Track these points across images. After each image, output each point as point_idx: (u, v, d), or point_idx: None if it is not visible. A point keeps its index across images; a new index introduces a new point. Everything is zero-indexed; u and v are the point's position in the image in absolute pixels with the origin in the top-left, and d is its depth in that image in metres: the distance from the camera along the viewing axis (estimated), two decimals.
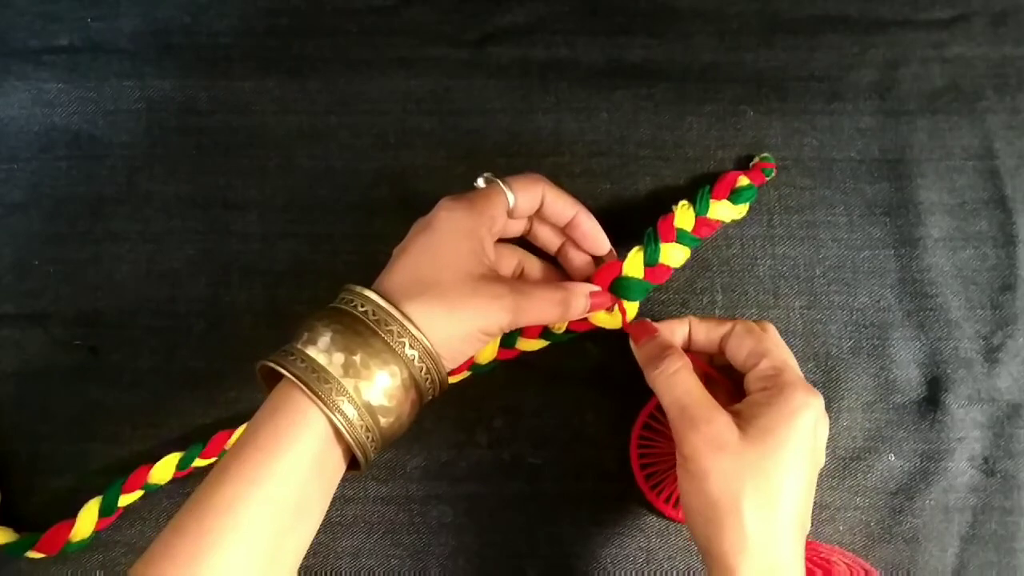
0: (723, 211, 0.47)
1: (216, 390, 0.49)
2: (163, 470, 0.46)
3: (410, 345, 0.37)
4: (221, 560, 0.33)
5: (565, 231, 0.46)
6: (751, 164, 0.50)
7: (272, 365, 0.36)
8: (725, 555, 0.36)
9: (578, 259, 0.46)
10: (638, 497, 0.47)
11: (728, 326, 0.43)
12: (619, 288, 0.45)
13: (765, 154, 0.50)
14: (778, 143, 0.51)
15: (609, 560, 0.48)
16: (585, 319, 0.45)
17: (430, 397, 0.39)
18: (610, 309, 0.45)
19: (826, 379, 0.49)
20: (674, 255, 0.46)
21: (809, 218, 0.50)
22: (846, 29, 0.53)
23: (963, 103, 0.52)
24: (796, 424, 0.38)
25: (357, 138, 0.52)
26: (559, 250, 0.47)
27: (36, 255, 0.51)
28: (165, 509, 0.48)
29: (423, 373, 0.37)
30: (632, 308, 0.45)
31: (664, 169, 0.51)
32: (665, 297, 0.50)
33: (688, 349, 0.44)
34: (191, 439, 0.47)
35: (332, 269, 0.50)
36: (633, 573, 0.48)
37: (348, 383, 0.35)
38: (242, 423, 0.47)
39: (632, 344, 0.44)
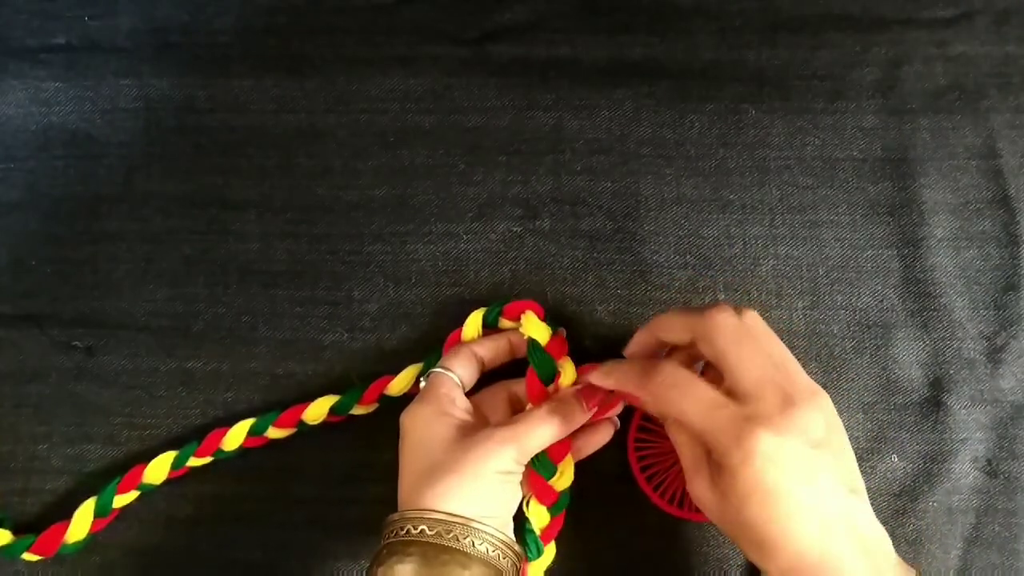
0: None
1: (214, 391, 0.49)
2: (157, 470, 0.46)
3: (473, 541, 0.38)
4: None
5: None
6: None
7: None
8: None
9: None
10: (639, 498, 0.47)
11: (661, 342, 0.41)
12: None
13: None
14: (780, 142, 0.51)
15: (610, 561, 0.47)
16: None
17: (512, 569, 0.40)
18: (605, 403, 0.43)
19: (828, 380, 0.48)
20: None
21: (812, 218, 0.50)
22: (848, 27, 0.52)
23: (966, 102, 0.51)
24: (756, 470, 0.34)
25: (356, 137, 0.52)
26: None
27: (33, 255, 0.51)
28: (161, 510, 0.47)
29: (499, 554, 0.39)
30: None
31: (665, 167, 0.51)
32: (667, 297, 0.49)
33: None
34: (188, 440, 0.47)
35: (331, 269, 0.50)
36: (635, 574, 0.47)
37: None
38: (239, 423, 0.46)
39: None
